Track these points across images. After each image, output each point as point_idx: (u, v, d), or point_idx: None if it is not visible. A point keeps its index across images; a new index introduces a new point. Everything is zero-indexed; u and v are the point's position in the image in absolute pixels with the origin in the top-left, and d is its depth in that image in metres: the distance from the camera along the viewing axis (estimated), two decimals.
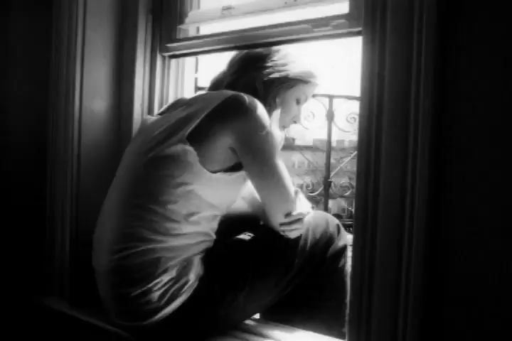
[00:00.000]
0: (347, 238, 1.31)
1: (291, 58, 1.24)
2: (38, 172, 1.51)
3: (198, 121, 1.08)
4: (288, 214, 1.15)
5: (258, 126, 1.09)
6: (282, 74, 1.21)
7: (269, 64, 1.22)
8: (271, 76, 1.21)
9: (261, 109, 1.11)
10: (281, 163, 1.13)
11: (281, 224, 1.15)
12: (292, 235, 1.18)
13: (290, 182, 1.15)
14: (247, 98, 1.10)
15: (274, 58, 1.23)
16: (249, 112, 1.09)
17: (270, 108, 1.18)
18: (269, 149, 1.11)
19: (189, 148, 1.07)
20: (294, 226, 1.16)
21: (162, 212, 1.07)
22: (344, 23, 1.09)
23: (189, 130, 1.08)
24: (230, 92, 1.12)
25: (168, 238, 1.07)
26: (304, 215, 1.18)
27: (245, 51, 1.27)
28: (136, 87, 1.44)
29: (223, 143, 1.09)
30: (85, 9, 1.37)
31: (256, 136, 1.09)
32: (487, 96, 0.82)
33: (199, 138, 1.08)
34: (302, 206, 1.18)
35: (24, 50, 1.62)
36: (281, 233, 1.17)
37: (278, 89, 1.22)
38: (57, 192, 1.44)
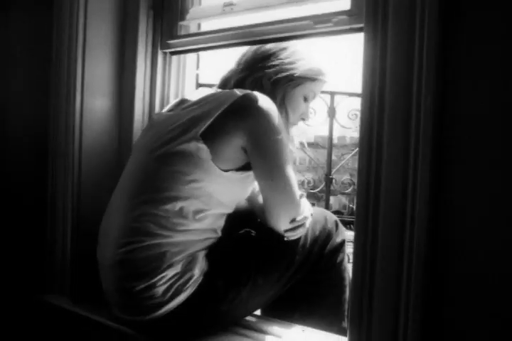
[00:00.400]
0: (345, 234, 1.32)
1: (298, 56, 1.23)
2: (39, 170, 1.51)
3: (211, 119, 1.08)
4: (293, 220, 1.15)
5: (270, 126, 1.09)
6: (289, 72, 1.21)
7: (275, 62, 1.21)
8: (278, 74, 1.20)
9: (273, 108, 1.10)
10: (290, 165, 1.12)
11: (286, 231, 1.15)
12: (294, 238, 1.18)
13: (297, 185, 1.14)
14: (259, 97, 1.10)
15: (281, 56, 1.22)
16: (262, 112, 1.08)
17: (278, 106, 1.17)
18: (280, 151, 1.10)
19: (202, 145, 1.06)
20: (297, 232, 1.17)
21: (170, 208, 1.06)
22: (346, 19, 1.09)
23: (203, 128, 1.07)
24: (243, 91, 1.12)
25: (174, 233, 1.07)
26: (307, 219, 1.18)
27: (253, 49, 1.26)
28: (138, 83, 1.44)
29: (236, 143, 1.08)
30: (86, 8, 1.37)
31: (267, 138, 1.09)
32: (487, 96, 0.82)
33: (212, 136, 1.07)
34: (305, 210, 1.18)
35: (25, 50, 1.62)
36: (285, 239, 1.16)
37: (285, 87, 1.21)
38: (59, 189, 1.43)
